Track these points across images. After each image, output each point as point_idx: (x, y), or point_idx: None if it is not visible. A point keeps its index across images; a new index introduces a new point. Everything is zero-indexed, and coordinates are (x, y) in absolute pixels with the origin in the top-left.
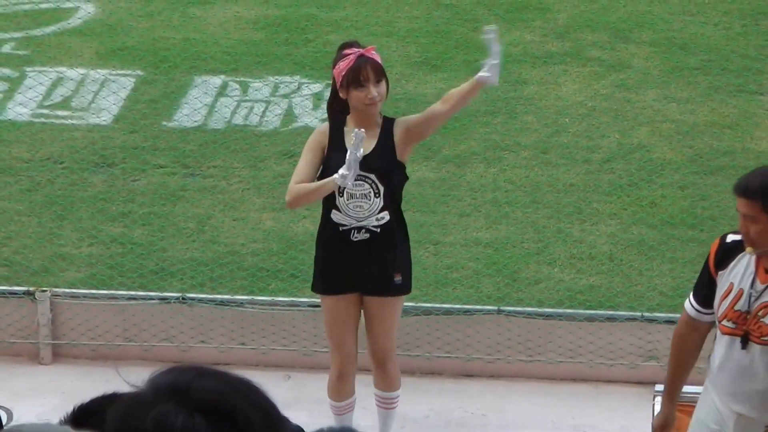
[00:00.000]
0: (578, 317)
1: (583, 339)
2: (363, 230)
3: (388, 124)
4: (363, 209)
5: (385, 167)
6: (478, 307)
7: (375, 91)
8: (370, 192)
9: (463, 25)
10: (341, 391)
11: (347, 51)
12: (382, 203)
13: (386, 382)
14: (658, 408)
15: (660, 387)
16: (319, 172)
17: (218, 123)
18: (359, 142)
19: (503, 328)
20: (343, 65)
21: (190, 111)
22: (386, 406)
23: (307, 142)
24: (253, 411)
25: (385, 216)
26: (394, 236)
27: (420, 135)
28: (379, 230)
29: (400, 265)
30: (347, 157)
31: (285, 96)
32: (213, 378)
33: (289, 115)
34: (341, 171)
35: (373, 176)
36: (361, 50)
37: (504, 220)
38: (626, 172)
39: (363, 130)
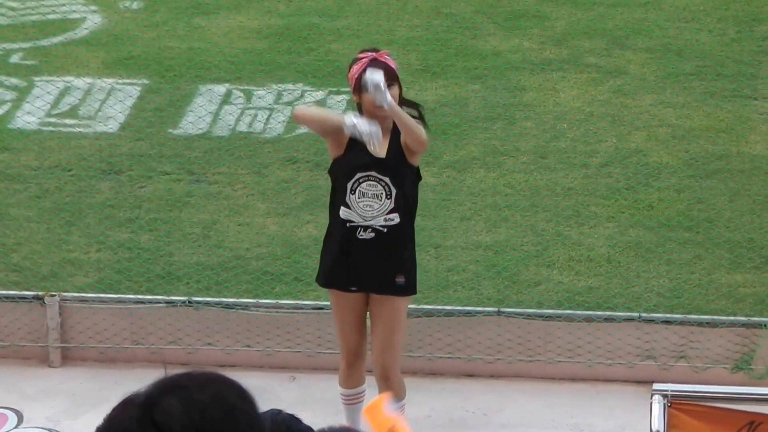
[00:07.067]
0: (577, 318)
1: (581, 339)
2: (369, 229)
3: (397, 128)
4: (373, 209)
5: (399, 171)
6: (479, 308)
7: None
8: (382, 193)
9: (462, 34)
10: (350, 378)
11: (361, 55)
12: (392, 205)
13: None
14: (656, 407)
15: (658, 386)
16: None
17: (223, 130)
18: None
19: (503, 329)
20: (355, 68)
21: (195, 119)
22: None
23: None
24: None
25: (395, 218)
26: (401, 239)
27: (406, 145)
28: (386, 230)
29: (405, 268)
30: (370, 128)
31: (288, 103)
32: (181, 397)
33: (292, 123)
34: (359, 123)
35: (387, 179)
36: (374, 54)
37: (504, 224)
38: (623, 176)
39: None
